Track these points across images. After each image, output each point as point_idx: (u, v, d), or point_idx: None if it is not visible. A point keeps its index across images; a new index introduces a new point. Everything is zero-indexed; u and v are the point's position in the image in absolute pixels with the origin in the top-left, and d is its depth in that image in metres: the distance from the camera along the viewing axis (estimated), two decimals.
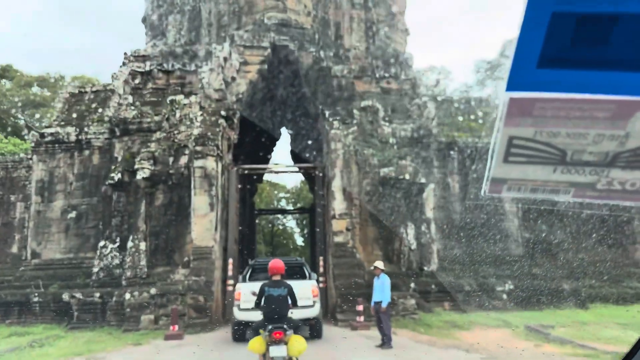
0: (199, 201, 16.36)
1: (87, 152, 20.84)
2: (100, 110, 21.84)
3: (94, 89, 22.77)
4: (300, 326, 6.98)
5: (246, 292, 10.20)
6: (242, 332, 11.13)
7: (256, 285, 7.66)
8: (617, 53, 0.64)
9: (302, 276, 12.35)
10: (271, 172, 20.78)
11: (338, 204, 16.61)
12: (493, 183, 0.79)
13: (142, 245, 16.86)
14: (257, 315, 7.03)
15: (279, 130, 22.92)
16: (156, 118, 20.30)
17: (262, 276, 10.60)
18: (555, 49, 0.64)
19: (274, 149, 24.86)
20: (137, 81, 22.41)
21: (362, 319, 13.27)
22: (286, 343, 6.19)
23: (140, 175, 17.14)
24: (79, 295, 16.36)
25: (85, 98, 22.54)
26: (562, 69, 0.65)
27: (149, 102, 21.58)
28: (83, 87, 22.84)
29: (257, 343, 6.29)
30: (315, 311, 11.34)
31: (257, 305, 6.87)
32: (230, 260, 17.82)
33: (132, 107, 20.64)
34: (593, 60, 0.65)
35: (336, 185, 16.73)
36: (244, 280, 12.38)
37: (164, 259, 17.49)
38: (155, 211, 18.02)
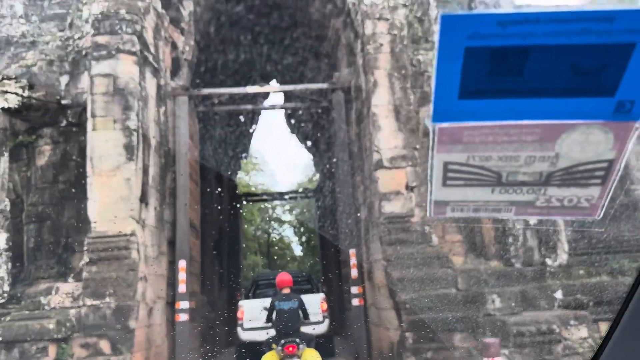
0: (102, 141, 7.99)
1: None
2: None
3: None
4: (314, 340, 6.62)
5: (249, 309, 10.07)
6: (246, 355, 9.78)
7: (259, 302, 8.35)
8: (532, 82, 0.66)
9: (308, 290, 10.99)
10: (255, 107, 12.27)
11: (386, 139, 8.25)
12: (436, 206, 0.80)
13: (0, 240, 8.43)
14: (263, 335, 6.96)
15: (271, 50, 14.32)
16: (60, 34, 11.98)
17: (268, 291, 10.38)
18: (473, 81, 0.66)
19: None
20: None
21: None
22: (299, 357, 6.04)
23: None
24: None
25: None
26: (483, 99, 0.67)
27: (52, 17, 13.25)
28: None
29: (271, 357, 6.19)
30: (324, 327, 9.94)
31: (269, 321, 6.64)
32: (182, 264, 9.42)
33: (24, 21, 12.39)
34: (511, 90, 0.67)
35: (381, 101, 8.39)
36: (247, 296, 11.46)
37: (51, 266, 9.06)
38: (37, 177, 9.62)
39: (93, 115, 8.06)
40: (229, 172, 16.32)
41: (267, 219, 40.79)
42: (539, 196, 0.79)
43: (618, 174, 0.76)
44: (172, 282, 9.48)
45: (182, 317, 9.26)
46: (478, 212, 0.82)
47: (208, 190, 12.87)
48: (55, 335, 6.92)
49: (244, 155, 19.24)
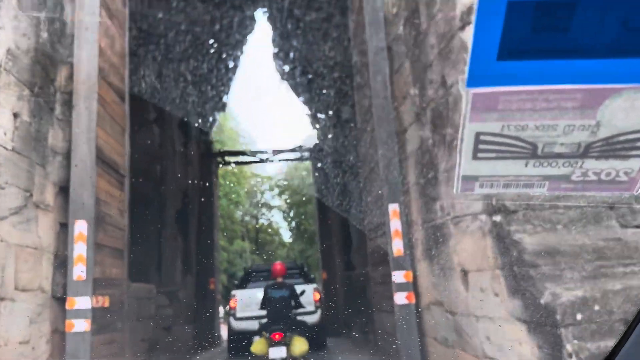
0: None
1: None
2: None
3: None
4: (303, 327, 6.90)
5: (242, 298, 10.33)
6: (238, 344, 9.77)
7: (252, 292, 9.14)
8: (578, 40, 0.62)
9: (300, 282, 10.42)
10: None
11: None
12: (464, 181, 0.77)
13: None
14: (255, 324, 7.11)
15: None
16: None
17: (261, 283, 10.15)
18: (514, 39, 0.62)
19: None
20: None
21: None
22: (287, 344, 6.17)
23: None
24: None
25: None
26: (524, 60, 0.64)
27: None
28: None
29: (260, 344, 6.38)
30: (316, 317, 10.27)
31: (263, 307, 6.89)
32: (80, 228, 5.11)
33: None
34: (554, 49, 0.63)
35: None
36: (240, 286, 11.57)
37: None
38: None
39: None
40: (198, 117, 11.90)
41: (256, 190, 38.36)
42: (575, 170, 0.74)
43: None
44: (61, 266, 5.19)
45: (79, 326, 5.00)
46: (508, 187, 0.77)
47: (153, 120, 8.50)
48: None
49: (220, 103, 14.80)
